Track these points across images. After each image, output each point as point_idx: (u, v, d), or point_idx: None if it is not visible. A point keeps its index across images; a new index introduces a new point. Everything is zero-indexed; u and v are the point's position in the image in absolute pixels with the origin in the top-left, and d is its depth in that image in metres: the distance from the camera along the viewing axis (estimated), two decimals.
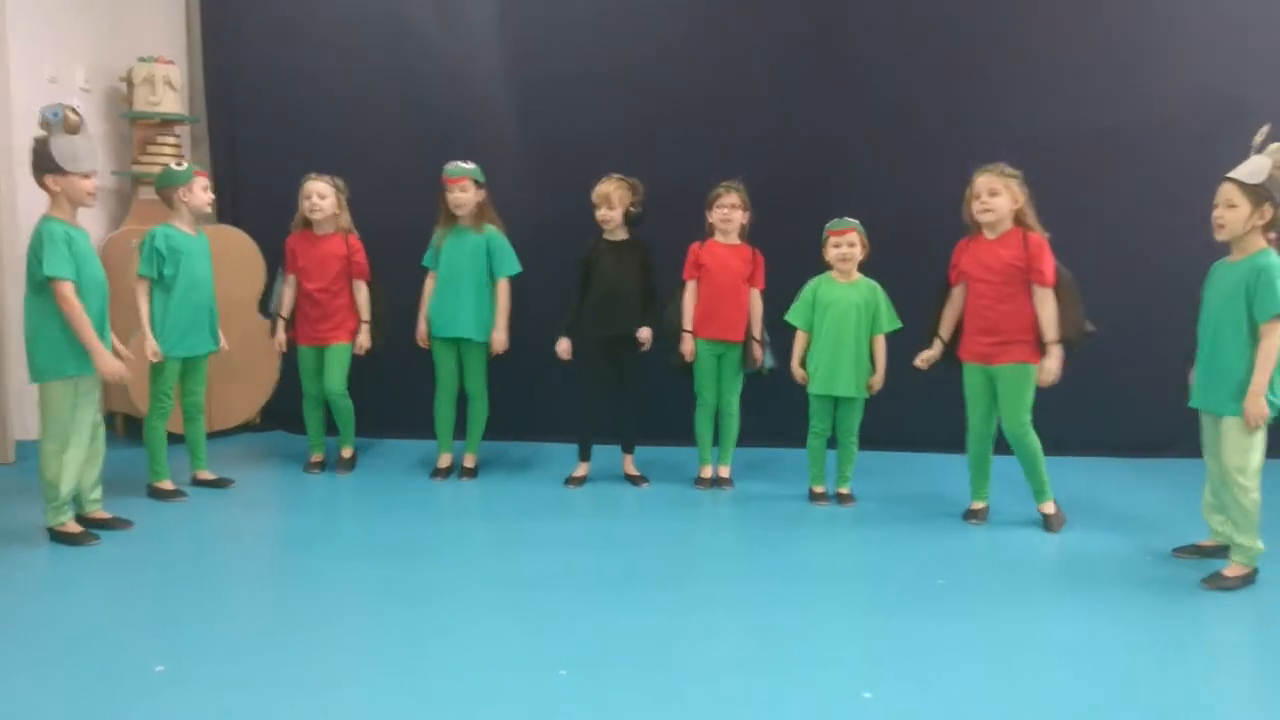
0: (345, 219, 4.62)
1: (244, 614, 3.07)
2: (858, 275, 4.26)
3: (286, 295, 4.64)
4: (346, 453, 4.79)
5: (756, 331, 4.43)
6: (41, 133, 3.52)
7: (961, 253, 4.02)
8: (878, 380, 4.24)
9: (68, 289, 3.48)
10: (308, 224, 4.59)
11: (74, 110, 3.53)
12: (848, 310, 4.20)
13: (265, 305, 4.94)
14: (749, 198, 4.42)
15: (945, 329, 4.11)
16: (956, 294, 4.07)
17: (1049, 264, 3.83)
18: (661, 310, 4.51)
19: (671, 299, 4.50)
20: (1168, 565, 3.60)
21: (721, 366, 4.48)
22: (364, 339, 4.63)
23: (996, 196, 3.84)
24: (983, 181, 3.87)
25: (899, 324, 4.24)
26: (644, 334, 4.46)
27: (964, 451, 4.13)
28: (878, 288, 4.26)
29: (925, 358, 4.11)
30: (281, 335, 4.65)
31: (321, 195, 4.52)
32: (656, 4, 5.20)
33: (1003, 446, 4.06)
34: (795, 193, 4.93)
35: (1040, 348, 3.87)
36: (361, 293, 4.64)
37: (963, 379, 4.05)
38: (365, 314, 4.65)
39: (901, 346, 4.38)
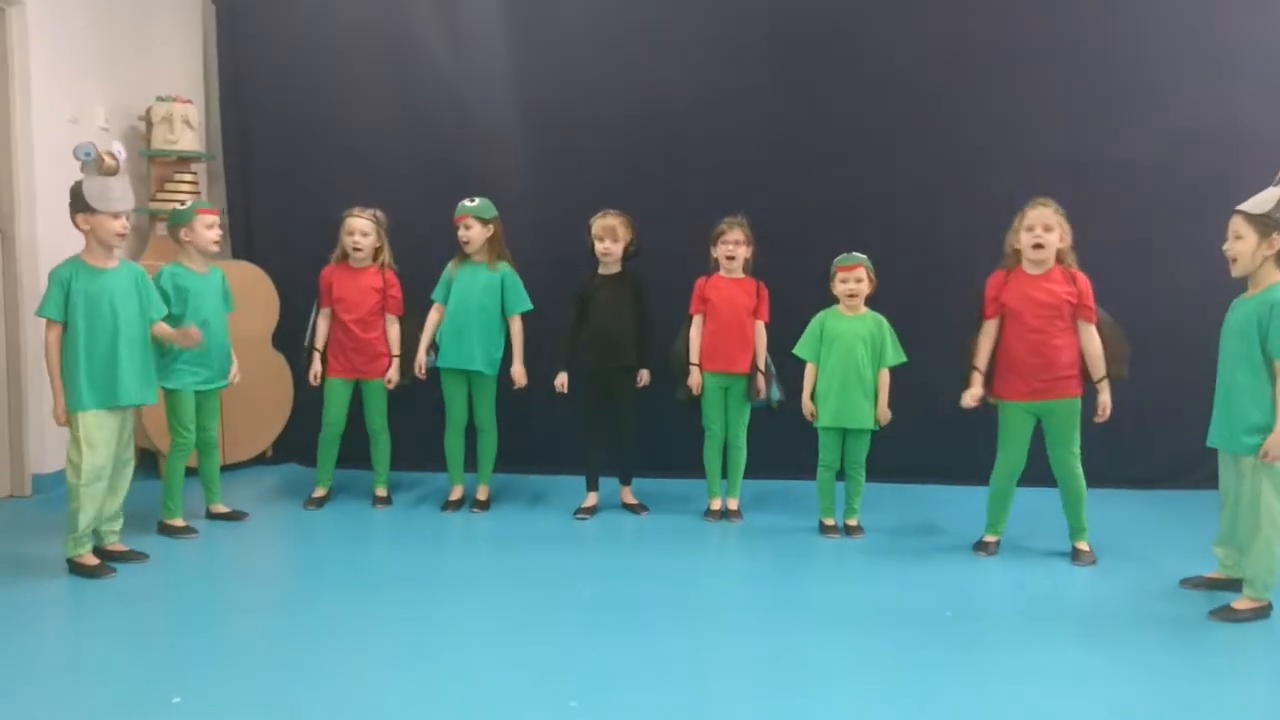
0: (385, 254, 4.67)
1: (259, 646, 3.10)
2: (864, 309, 4.32)
3: (321, 327, 4.67)
4: (381, 492, 4.80)
5: (760, 363, 4.48)
6: (82, 176, 3.62)
7: (1001, 287, 3.98)
8: (883, 413, 4.28)
9: (49, 331, 3.63)
10: (345, 256, 4.64)
11: (112, 154, 3.63)
12: (854, 343, 4.25)
13: (301, 338, 4.86)
14: (752, 231, 4.47)
15: (983, 363, 4.05)
16: (991, 327, 4.03)
17: (1093, 302, 3.89)
18: (656, 343, 4.58)
19: (679, 333, 4.55)
20: (1177, 597, 3.61)
21: (729, 399, 4.52)
22: (393, 373, 4.68)
23: (1050, 233, 3.86)
24: (1038, 215, 3.87)
25: (904, 358, 4.28)
26: (644, 376, 4.55)
27: (971, 483, 4.14)
28: (884, 321, 4.30)
29: (973, 395, 4.02)
30: (317, 367, 4.67)
31: (364, 234, 4.58)
32: (665, 35, 5.24)
33: (1020, 481, 4.10)
34: (805, 226, 4.98)
35: (1084, 382, 3.91)
36: (394, 328, 4.69)
37: (1001, 416, 4.03)
38: (395, 349, 4.69)
39: (915, 379, 4.42)
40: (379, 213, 4.65)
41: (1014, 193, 3.98)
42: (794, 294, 4.50)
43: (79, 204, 3.63)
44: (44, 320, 3.66)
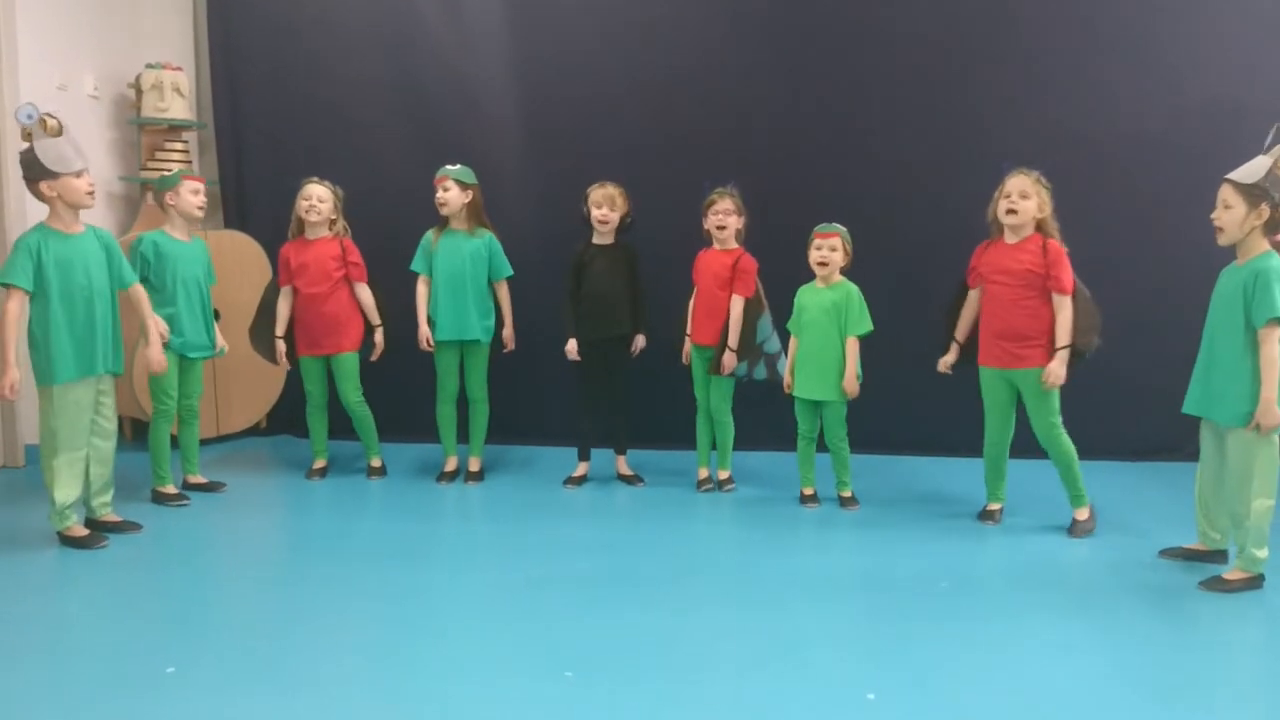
0: (340, 226, 4.61)
1: (253, 616, 3.11)
2: (838, 278, 4.26)
3: (283, 309, 4.60)
4: (376, 462, 4.77)
5: (732, 339, 4.39)
6: (25, 145, 3.53)
7: (980, 256, 4.04)
8: (849, 383, 4.21)
9: (10, 300, 3.50)
10: (301, 230, 4.60)
11: (52, 115, 3.53)
12: (819, 314, 4.22)
13: (258, 329, 4.70)
14: (749, 205, 4.43)
15: (961, 332, 4.13)
16: (973, 297, 4.08)
17: (1067, 273, 3.83)
18: (649, 314, 4.59)
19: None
20: (1168, 568, 3.62)
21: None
22: (379, 339, 4.65)
23: (1026, 200, 3.84)
24: (1015, 183, 3.87)
25: (869, 326, 4.20)
26: (639, 341, 4.57)
27: (964, 455, 4.15)
28: (852, 290, 4.22)
29: (945, 363, 4.15)
30: (283, 348, 4.61)
31: (321, 199, 4.53)
32: (662, 6, 5.19)
33: (1018, 452, 4.11)
34: (803, 201, 4.92)
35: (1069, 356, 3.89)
36: (365, 295, 4.64)
37: (980, 383, 4.07)
38: (376, 318, 4.65)
39: (905, 350, 4.40)
40: (337, 187, 4.60)
41: (1013, 167, 3.95)
42: (792, 270, 4.46)
43: (38, 171, 3.51)
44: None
